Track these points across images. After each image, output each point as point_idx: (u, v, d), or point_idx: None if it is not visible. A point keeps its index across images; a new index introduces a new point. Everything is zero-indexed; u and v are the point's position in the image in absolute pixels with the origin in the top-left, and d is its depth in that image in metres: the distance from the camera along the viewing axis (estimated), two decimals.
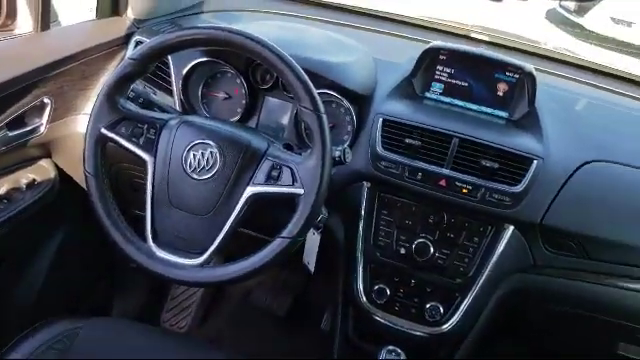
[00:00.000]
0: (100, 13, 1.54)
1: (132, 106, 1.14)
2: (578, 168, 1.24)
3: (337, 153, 1.14)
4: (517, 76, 1.31)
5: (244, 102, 1.38)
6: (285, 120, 1.37)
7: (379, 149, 1.25)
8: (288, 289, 2.08)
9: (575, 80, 1.58)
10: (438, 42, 1.35)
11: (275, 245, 1.02)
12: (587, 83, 1.57)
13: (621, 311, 1.29)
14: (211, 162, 1.07)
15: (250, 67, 1.36)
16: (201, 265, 1.06)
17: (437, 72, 1.36)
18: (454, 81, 1.36)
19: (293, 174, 1.04)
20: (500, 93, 1.33)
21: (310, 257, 1.33)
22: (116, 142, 1.11)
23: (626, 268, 1.24)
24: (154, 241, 1.09)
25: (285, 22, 1.61)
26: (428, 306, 1.29)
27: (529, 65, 1.30)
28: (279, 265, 1.08)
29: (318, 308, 1.99)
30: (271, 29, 1.43)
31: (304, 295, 2.08)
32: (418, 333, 1.32)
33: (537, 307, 1.37)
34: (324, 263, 1.36)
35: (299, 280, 2.09)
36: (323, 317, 1.94)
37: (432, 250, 1.26)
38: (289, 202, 1.05)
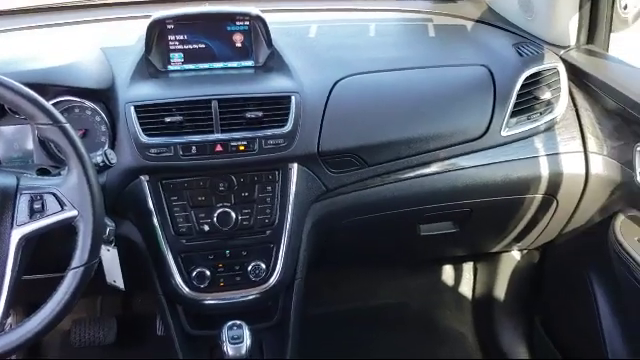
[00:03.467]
0: None
1: None
2: (332, 90, 1.31)
3: (99, 159, 1.08)
4: (247, 23, 1.33)
5: None
6: (29, 145, 1.23)
7: (142, 138, 1.19)
8: (108, 313, 1.93)
9: (302, 10, 1.65)
10: (159, 13, 1.30)
11: (69, 280, 0.94)
12: (313, 10, 1.65)
13: (406, 200, 1.42)
14: None
15: None
16: None
17: (171, 43, 1.32)
18: (191, 46, 1.33)
19: (58, 199, 0.95)
20: (239, 44, 1.34)
21: (115, 274, 1.24)
22: None
23: (399, 162, 1.36)
24: None
25: None
26: (250, 268, 1.30)
27: (255, 9, 1.32)
28: (86, 295, 0.99)
29: (147, 318, 1.89)
30: None
31: (127, 312, 1.96)
32: (251, 297, 1.32)
33: (343, 225, 1.45)
34: (134, 272, 1.28)
35: (116, 300, 1.96)
36: (156, 324, 1.85)
37: (234, 215, 1.26)
38: (69, 229, 0.95)
